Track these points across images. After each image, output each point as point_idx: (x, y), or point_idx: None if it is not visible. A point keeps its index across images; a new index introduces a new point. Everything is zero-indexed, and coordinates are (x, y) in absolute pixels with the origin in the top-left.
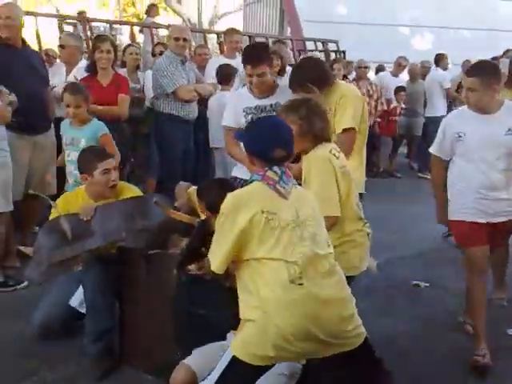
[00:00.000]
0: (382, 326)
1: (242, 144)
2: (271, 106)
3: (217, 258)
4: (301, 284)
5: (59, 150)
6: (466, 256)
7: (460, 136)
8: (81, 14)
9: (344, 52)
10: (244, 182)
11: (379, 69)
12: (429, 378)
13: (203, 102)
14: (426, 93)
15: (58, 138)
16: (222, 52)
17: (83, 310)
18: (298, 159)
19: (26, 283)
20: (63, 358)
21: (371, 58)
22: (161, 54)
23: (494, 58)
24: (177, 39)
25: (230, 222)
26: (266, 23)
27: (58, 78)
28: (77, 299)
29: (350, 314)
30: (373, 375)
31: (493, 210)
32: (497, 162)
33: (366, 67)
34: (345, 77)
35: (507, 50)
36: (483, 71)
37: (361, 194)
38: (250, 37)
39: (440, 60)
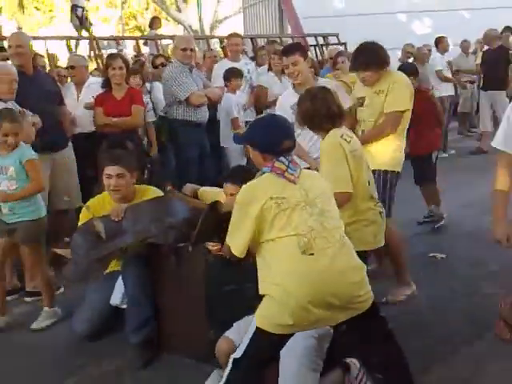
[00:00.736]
0: None
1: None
2: None
3: (237, 244)
4: (311, 254)
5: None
6: None
7: None
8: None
9: (345, 44)
10: None
11: None
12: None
13: (213, 105)
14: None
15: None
16: (226, 56)
17: (124, 306)
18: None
19: (62, 289)
20: (108, 354)
21: None
22: (162, 65)
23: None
24: (184, 49)
25: (245, 211)
26: (266, 23)
27: (70, 98)
28: (117, 298)
29: (360, 279)
30: (380, 333)
31: None
32: None
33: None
34: None
35: (506, 27)
36: None
37: (397, 172)
38: (251, 38)
39: (439, 43)
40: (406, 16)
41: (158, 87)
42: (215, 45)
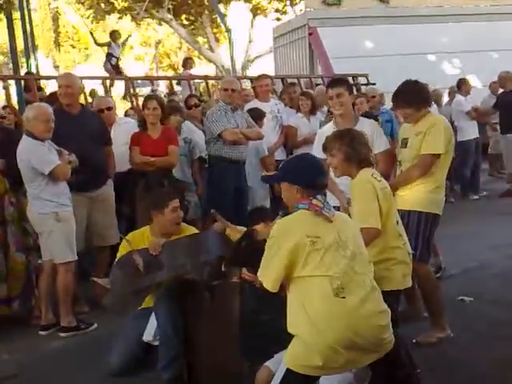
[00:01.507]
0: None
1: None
2: None
3: (269, 278)
4: (343, 297)
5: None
6: None
7: None
8: (113, 33)
9: (374, 84)
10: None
11: None
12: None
13: None
14: (453, 117)
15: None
16: (256, 95)
17: (156, 343)
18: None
19: (95, 325)
20: None
21: None
22: (195, 105)
23: None
24: (225, 90)
25: (279, 245)
26: (297, 64)
27: None
28: (149, 334)
29: (386, 323)
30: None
31: None
32: None
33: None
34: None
35: None
36: None
37: (436, 215)
38: (282, 79)
39: (461, 85)
40: (434, 57)
41: (191, 127)
42: (247, 83)
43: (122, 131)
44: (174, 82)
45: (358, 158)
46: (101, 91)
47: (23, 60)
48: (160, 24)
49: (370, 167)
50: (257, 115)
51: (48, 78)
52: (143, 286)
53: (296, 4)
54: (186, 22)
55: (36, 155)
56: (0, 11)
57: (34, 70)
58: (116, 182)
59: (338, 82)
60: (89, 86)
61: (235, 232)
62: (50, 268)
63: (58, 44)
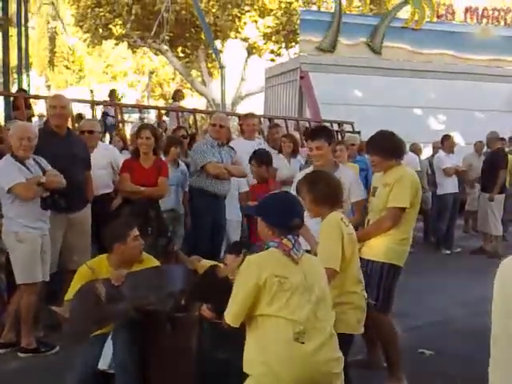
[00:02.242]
0: None
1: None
2: None
3: (231, 313)
4: (303, 343)
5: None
6: None
7: None
8: (112, 92)
9: (359, 132)
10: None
11: None
12: None
13: None
14: (434, 171)
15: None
16: (242, 133)
17: (112, 371)
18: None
19: (57, 348)
20: None
21: None
22: (183, 137)
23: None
24: (213, 125)
25: (246, 281)
26: (286, 105)
27: None
28: (105, 362)
29: (339, 371)
30: None
31: None
32: None
33: (352, 144)
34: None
35: None
36: None
37: (399, 267)
38: (269, 119)
39: (444, 141)
40: (421, 111)
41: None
42: (234, 121)
43: (101, 156)
44: (163, 112)
45: (326, 201)
46: (88, 115)
47: (15, 76)
48: (156, 54)
49: (340, 210)
50: (268, 160)
51: (37, 97)
52: (103, 316)
53: (291, 47)
54: (181, 55)
55: (2, 173)
56: None
57: (25, 87)
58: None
59: (318, 134)
60: (78, 108)
61: (201, 268)
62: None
63: (52, 63)
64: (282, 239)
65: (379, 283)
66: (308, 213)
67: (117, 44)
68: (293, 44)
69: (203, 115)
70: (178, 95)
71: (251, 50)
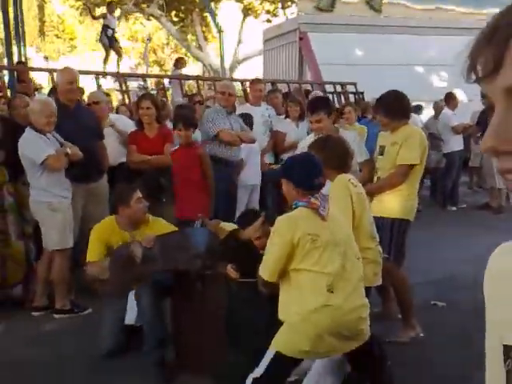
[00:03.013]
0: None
1: None
2: None
3: (268, 269)
4: (332, 292)
5: None
6: None
7: None
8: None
9: (362, 93)
10: None
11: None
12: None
13: None
14: (439, 130)
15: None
16: (246, 99)
17: (138, 325)
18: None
19: (90, 310)
20: (129, 370)
21: None
22: (200, 103)
23: None
24: (222, 93)
25: (281, 241)
26: (286, 67)
27: None
28: (130, 318)
29: (366, 316)
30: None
31: None
32: None
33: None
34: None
35: None
36: None
37: (408, 221)
38: (272, 83)
39: (449, 99)
40: (422, 69)
41: None
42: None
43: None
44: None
45: (334, 163)
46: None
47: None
48: (149, 19)
49: (348, 172)
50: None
51: (42, 70)
52: (140, 276)
53: (288, 7)
54: (175, 19)
55: (31, 146)
56: None
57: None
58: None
59: (318, 107)
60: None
61: (221, 231)
62: (48, 253)
63: (42, 33)
64: (310, 198)
65: (391, 238)
66: None
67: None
68: (289, 4)
69: (200, 82)
70: (179, 63)
71: (247, 11)
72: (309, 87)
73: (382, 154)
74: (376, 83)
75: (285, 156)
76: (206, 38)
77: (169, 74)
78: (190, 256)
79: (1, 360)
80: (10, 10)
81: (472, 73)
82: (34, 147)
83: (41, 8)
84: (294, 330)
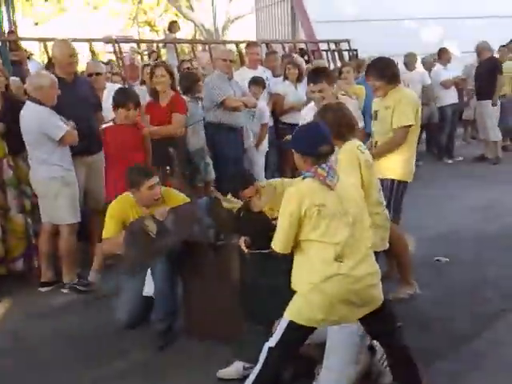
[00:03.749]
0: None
1: None
2: None
3: (279, 241)
4: (341, 261)
5: None
6: None
7: None
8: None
9: (356, 51)
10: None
11: None
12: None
13: None
14: (432, 85)
15: None
16: (242, 62)
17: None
18: None
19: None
20: (137, 343)
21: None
22: (188, 69)
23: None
24: (224, 60)
25: (289, 213)
26: (279, 26)
27: None
28: (149, 289)
29: (376, 282)
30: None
31: None
32: None
33: None
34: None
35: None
36: None
37: (406, 183)
38: (266, 44)
39: (441, 54)
40: (415, 23)
41: None
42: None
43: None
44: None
45: (339, 131)
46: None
47: None
48: None
49: (356, 138)
50: (255, 83)
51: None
52: (156, 250)
53: None
54: None
55: (48, 121)
56: None
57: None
58: None
59: (318, 76)
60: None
61: (233, 204)
62: (49, 229)
63: None
64: (317, 168)
65: (389, 198)
66: None
67: None
68: None
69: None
70: (173, 27)
71: None
72: (303, 46)
73: (376, 118)
74: (369, 39)
75: (284, 118)
76: None
77: (160, 34)
78: (203, 226)
79: (10, 336)
80: None
81: None
82: (52, 123)
83: None
84: (305, 300)
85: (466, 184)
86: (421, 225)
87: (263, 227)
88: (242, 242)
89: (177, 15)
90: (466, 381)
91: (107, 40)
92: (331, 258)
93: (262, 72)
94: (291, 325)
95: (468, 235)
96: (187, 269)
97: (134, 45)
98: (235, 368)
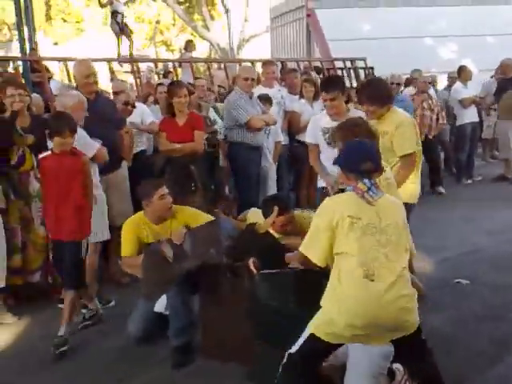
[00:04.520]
0: (429, 319)
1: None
2: None
3: (316, 253)
4: (372, 280)
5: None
6: None
7: None
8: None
9: (372, 68)
10: (326, 190)
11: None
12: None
13: None
14: (451, 103)
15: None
16: (258, 81)
17: (167, 313)
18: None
19: (113, 303)
20: (151, 359)
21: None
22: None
23: None
24: (246, 79)
25: (322, 222)
26: (294, 45)
27: None
28: (160, 305)
29: (410, 307)
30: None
31: None
32: None
33: (398, 84)
34: None
35: None
36: None
37: (412, 205)
38: (282, 62)
39: (460, 72)
40: (432, 40)
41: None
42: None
43: (135, 115)
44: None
45: None
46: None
47: (15, 34)
48: (154, 0)
49: None
50: (263, 100)
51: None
52: (173, 275)
53: None
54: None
55: (81, 139)
56: None
57: (33, 46)
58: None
59: (331, 85)
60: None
61: (241, 225)
62: (93, 246)
63: (49, 17)
64: (358, 183)
65: None
66: None
67: None
68: None
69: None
70: (189, 46)
71: None
72: (318, 64)
73: None
74: (386, 57)
75: (300, 136)
76: (212, 17)
77: (176, 53)
78: (221, 248)
79: (26, 351)
80: None
81: None
82: (85, 140)
83: None
84: (328, 315)
85: (484, 205)
86: (440, 246)
87: (269, 248)
88: (251, 262)
89: (193, 35)
90: None
91: (126, 60)
92: (360, 276)
93: (277, 90)
94: (311, 337)
95: (488, 257)
96: (203, 288)
97: (151, 64)
98: None
